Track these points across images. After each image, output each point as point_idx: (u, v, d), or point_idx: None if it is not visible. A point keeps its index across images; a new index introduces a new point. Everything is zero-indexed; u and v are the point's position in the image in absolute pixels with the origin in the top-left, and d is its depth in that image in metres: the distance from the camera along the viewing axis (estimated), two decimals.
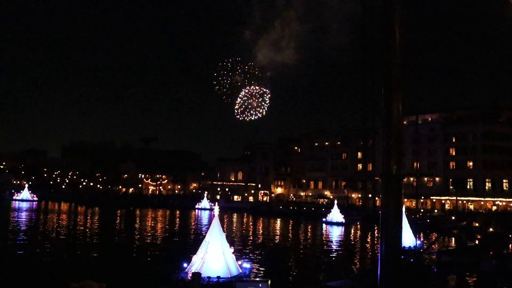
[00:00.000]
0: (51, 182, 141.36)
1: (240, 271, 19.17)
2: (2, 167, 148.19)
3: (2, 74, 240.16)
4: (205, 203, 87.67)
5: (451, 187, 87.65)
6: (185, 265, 19.09)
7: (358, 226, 62.32)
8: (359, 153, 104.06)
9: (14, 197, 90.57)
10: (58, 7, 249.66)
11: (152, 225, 54.86)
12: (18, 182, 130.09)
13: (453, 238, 48.05)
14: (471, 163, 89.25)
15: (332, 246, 40.56)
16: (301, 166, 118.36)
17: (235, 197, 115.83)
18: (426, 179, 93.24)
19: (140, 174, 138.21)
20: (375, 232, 49.23)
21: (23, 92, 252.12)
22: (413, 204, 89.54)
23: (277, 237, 47.69)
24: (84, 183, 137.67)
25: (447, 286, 15.98)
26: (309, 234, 53.27)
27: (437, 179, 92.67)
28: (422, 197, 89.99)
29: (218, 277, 17.39)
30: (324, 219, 62.34)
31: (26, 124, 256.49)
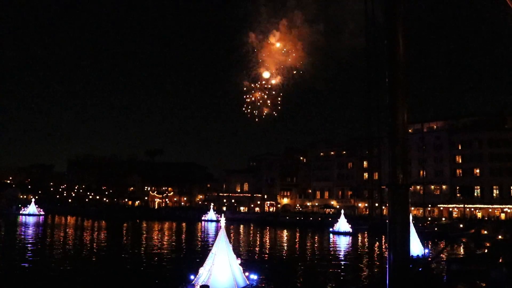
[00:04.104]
0: (58, 196, 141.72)
1: (247, 282, 19.06)
2: (8, 181, 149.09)
3: (9, 89, 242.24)
4: (211, 214, 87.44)
5: (458, 195, 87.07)
6: (192, 277, 19.02)
7: (366, 235, 61.87)
8: (365, 162, 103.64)
9: (21, 212, 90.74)
10: (66, 18, 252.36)
11: (159, 237, 54.74)
12: (25, 196, 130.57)
13: (462, 246, 47.62)
14: (478, 171, 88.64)
15: (340, 256, 40.24)
16: (307, 176, 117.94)
17: (242, 208, 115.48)
18: (433, 187, 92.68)
19: (146, 187, 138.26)
20: (383, 241, 48.91)
21: (29, 107, 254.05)
22: (420, 213, 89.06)
23: (284, 247, 47.43)
24: (90, 197, 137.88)
25: None
26: (316, 244, 52.92)
27: (444, 187, 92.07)
28: (429, 206, 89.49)
29: None
30: (331, 229, 61.88)
31: (32, 138, 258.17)
